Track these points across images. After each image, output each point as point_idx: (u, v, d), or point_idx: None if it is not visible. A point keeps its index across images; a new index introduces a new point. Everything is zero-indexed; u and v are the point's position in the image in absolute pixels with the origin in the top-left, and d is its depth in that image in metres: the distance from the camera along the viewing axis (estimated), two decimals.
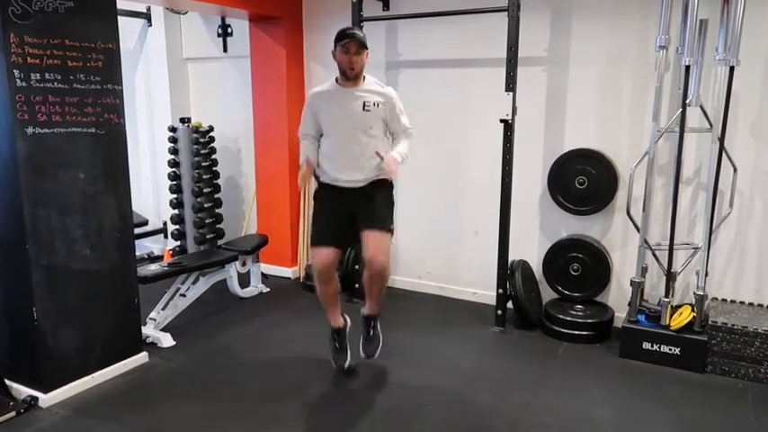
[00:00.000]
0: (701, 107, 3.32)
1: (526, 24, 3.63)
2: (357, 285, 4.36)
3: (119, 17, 3.11)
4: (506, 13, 3.52)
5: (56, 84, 2.81)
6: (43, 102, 2.77)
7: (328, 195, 3.08)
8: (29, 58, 2.69)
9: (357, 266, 4.00)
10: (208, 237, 4.97)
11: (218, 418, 2.86)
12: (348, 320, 3.28)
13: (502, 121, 3.62)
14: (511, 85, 3.56)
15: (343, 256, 3.42)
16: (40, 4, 2.71)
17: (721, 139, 3.28)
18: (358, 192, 3.01)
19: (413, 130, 3.13)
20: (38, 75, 2.73)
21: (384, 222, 3.01)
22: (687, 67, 3.22)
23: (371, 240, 2.95)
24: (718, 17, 3.23)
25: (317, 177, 3.12)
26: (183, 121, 4.92)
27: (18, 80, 2.66)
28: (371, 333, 3.22)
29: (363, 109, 2.95)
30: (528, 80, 3.84)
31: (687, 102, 3.26)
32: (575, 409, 2.93)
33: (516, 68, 3.56)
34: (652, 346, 3.37)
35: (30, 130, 2.73)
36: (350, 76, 2.93)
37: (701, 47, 3.20)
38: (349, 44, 2.87)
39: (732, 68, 3.18)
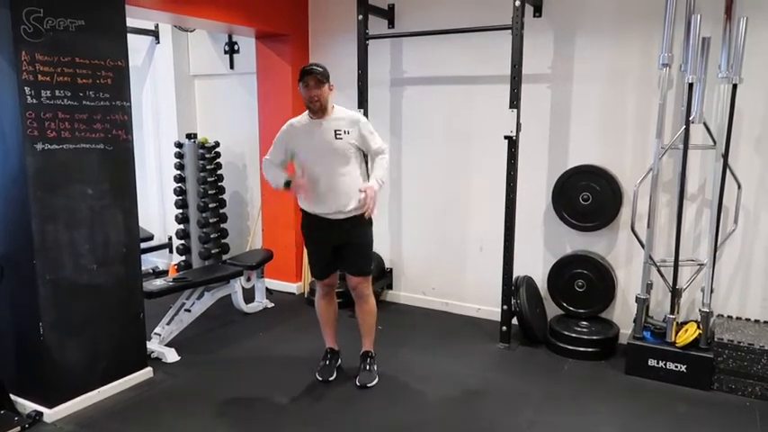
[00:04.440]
0: (705, 124, 3.33)
1: (530, 42, 3.66)
2: None
3: (127, 35, 3.15)
4: (510, 31, 3.56)
5: (66, 101, 2.85)
6: (53, 118, 2.80)
7: (312, 228, 3.22)
8: (39, 76, 2.73)
9: None
10: (213, 252, 4.99)
11: None
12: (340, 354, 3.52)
13: (506, 137, 3.64)
14: (515, 102, 3.59)
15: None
16: (52, 22, 2.76)
17: (725, 156, 3.29)
18: (339, 226, 3.12)
19: (387, 148, 3.20)
20: (48, 92, 2.77)
21: (366, 270, 3.27)
22: (690, 85, 3.24)
23: (354, 281, 3.26)
24: (720, 35, 3.26)
25: (300, 209, 3.25)
26: (189, 136, 4.97)
27: (29, 97, 2.70)
28: (368, 369, 3.35)
29: (336, 137, 3.04)
30: (532, 97, 3.86)
31: (690, 119, 3.28)
32: (579, 426, 2.91)
33: (520, 86, 3.58)
34: (658, 363, 3.36)
35: (39, 146, 2.76)
36: (313, 109, 3.04)
37: (704, 64, 3.22)
38: (307, 78, 2.98)
39: (735, 86, 3.20)
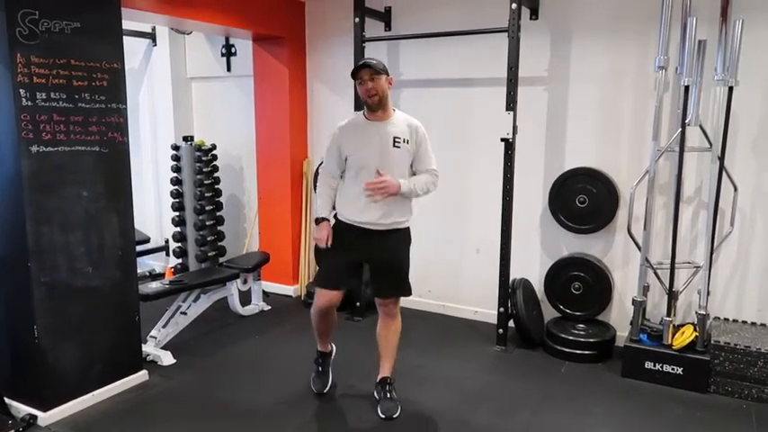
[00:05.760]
0: (701, 126, 3.34)
1: (526, 44, 3.66)
2: (358, 303, 4.36)
3: (124, 37, 3.15)
4: (506, 34, 3.56)
5: (61, 103, 2.84)
6: (48, 121, 2.80)
7: (343, 237, 2.90)
8: (35, 78, 2.73)
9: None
10: (209, 254, 4.97)
11: None
12: (334, 348, 3.33)
13: (503, 140, 3.64)
14: (511, 104, 3.59)
15: None
16: (47, 25, 2.75)
17: (721, 159, 3.30)
18: (373, 238, 2.86)
19: (438, 174, 2.96)
20: (43, 94, 2.77)
21: (405, 288, 3.02)
22: (686, 87, 3.24)
23: (384, 301, 3.01)
24: (716, 38, 3.27)
25: (334, 216, 2.98)
26: (186, 139, 4.96)
27: (24, 99, 2.69)
28: (389, 396, 3.03)
29: (394, 145, 2.80)
30: (529, 99, 3.87)
31: (687, 121, 3.28)
32: (576, 428, 2.90)
33: (517, 88, 3.59)
34: (654, 366, 3.35)
35: (34, 148, 2.75)
36: (371, 104, 2.79)
37: (700, 67, 3.22)
38: (361, 72, 2.76)
39: (731, 88, 3.21)
